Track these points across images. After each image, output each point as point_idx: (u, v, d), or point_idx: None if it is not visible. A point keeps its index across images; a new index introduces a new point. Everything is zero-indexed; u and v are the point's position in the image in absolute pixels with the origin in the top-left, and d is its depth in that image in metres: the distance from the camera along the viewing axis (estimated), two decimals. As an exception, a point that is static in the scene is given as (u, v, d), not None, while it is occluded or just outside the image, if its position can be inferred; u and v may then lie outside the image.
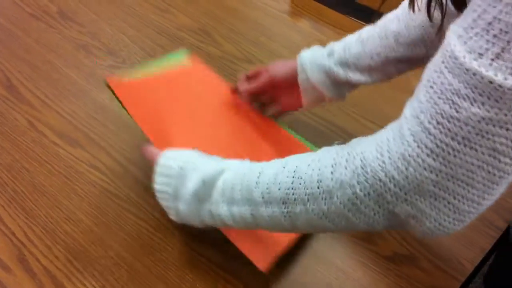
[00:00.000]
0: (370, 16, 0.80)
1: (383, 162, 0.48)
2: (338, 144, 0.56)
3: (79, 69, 0.98)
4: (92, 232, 0.75)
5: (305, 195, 0.53)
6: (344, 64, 0.77)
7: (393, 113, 0.51)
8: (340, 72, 0.77)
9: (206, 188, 0.61)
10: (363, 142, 0.52)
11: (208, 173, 0.61)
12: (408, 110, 0.48)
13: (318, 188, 0.52)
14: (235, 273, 0.72)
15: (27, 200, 0.78)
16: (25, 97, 0.92)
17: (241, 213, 0.59)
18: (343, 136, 0.90)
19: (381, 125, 0.52)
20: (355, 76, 0.77)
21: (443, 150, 0.44)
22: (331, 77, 0.78)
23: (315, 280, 0.72)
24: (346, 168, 0.51)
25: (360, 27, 0.80)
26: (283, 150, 0.81)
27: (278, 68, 0.82)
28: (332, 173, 0.52)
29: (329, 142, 0.60)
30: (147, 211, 0.77)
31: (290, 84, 0.81)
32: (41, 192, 0.79)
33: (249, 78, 0.85)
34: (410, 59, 0.75)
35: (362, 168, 0.49)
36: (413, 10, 0.65)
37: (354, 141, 0.54)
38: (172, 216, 0.65)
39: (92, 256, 0.72)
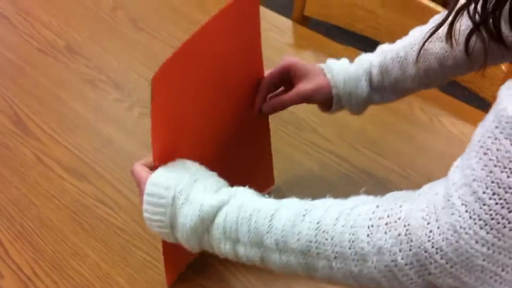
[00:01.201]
0: (372, 45, 0.81)
1: (431, 232, 0.45)
2: (366, 193, 0.54)
3: (85, 103, 1.00)
4: (99, 267, 0.75)
5: (332, 252, 0.50)
6: (381, 88, 0.75)
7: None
8: (376, 97, 0.76)
9: (204, 225, 0.58)
10: (405, 202, 0.48)
11: (205, 209, 0.57)
12: (458, 176, 0.45)
13: (349, 248, 0.49)
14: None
15: (34, 235, 0.79)
16: (32, 132, 0.94)
17: (248, 254, 0.56)
18: (349, 168, 0.90)
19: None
20: (389, 98, 0.77)
21: (498, 222, 0.41)
22: (365, 101, 0.76)
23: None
24: (386, 233, 0.47)
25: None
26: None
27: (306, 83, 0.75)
28: (368, 236, 0.48)
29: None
30: (153, 245, 0.78)
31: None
32: (48, 227, 0.80)
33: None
34: (453, 76, 0.75)
35: (406, 235, 0.46)
36: (451, 46, 0.64)
37: (391, 197, 0.51)
38: (169, 240, 0.62)
39: (98, 291, 0.73)
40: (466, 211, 0.43)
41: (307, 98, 0.75)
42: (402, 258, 0.46)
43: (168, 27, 1.16)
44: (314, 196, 0.56)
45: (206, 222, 0.57)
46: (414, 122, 0.98)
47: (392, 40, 0.78)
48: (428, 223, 0.45)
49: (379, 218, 0.48)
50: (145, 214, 0.61)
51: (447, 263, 0.44)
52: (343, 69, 0.74)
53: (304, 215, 0.53)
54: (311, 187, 0.85)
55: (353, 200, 0.53)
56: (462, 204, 0.43)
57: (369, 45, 0.84)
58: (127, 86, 1.03)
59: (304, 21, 1.25)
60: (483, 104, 1.07)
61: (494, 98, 1.03)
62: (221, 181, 0.62)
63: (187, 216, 0.58)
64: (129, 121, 0.97)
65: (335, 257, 0.50)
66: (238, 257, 0.58)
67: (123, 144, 0.92)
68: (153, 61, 1.09)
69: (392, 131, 0.96)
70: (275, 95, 0.77)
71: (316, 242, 0.51)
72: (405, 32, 0.78)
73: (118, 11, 1.21)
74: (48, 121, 0.96)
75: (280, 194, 0.80)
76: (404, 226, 0.46)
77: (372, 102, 0.77)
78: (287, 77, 0.76)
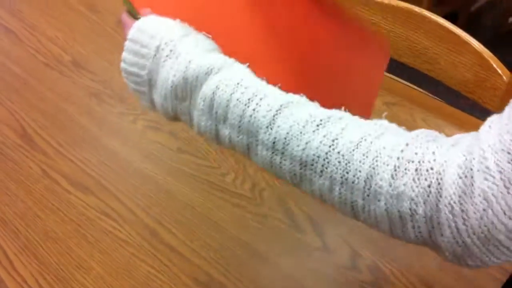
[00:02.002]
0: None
1: (463, 193, 0.40)
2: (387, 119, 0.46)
3: (91, 117, 1.01)
4: (103, 279, 0.76)
5: (341, 177, 0.44)
6: None
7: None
8: None
9: (187, 88, 0.50)
10: (437, 149, 0.43)
11: (192, 67, 0.49)
12: (494, 139, 0.41)
13: (364, 181, 0.44)
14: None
15: (39, 248, 0.80)
16: (39, 146, 0.95)
17: (232, 139, 0.49)
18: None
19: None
20: None
21: None
22: None
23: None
24: (414, 180, 0.42)
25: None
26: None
27: None
28: (392, 176, 0.42)
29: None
30: (157, 258, 0.78)
31: None
32: (53, 240, 0.81)
33: None
34: None
35: (437, 189, 0.41)
36: None
37: (421, 137, 0.45)
38: (144, 103, 0.55)
39: (102, 303, 0.74)
40: (501, 179, 0.39)
41: None
42: (423, 210, 0.42)
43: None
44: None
45: (190, 86, 0.50)
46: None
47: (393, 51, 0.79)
48: (464, 184, 0.41)
49: (408, 161, 0.42)
50: (122, 65, 0.54)
51: (467, 230, 0.41)
52: None
53: (318, 125, 0.46)
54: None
55: (376, 125, 0.46)
56: (498, 171, 0.39)
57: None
58: (131, 99, 1.05)
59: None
60: (486, 115, 1.07)
61: (497, 108, 1.03)
62: (216, 46, 0.53)
63: (170, 71, 0.50)
64: (133, 134, 0.98)
65: (342, 183, 0.45)
66: (218, 137, 0.51)
67: (127, 157, 0.93)
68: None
69: (394, 142, 0.97)
70: None
71: (325, 159, 0.45)
72: (407, 44, 0.78)
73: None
74: (54, 135, 0.97)
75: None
76: (437, 179, 0.42)
77: None
78: None
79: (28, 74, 1.09)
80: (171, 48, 0.50)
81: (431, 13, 1.09)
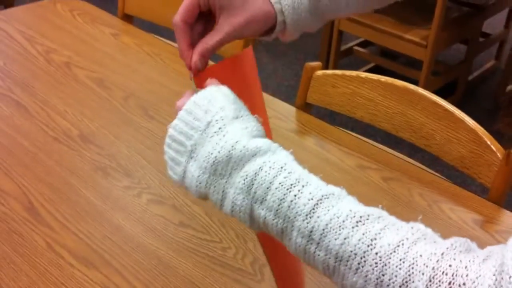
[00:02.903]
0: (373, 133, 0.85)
1: None
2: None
3: (96, 190, 1.04)
4: None
5: (377, 278, 0.45)
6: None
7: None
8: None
9: (228, 166, 0.52)
10: (470, 264, 0.44)
11: (238, 148, 0.51)
12: None
13: (400, 287, 0.44)
14: None
15: (42, 324, 0.81)
16: (44, 219, 0.97)
17: (267, 219, 0.51)
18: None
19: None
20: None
21: None
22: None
23: None
24: None
25: (361, 143, 0.85)
26: None
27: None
28: (427, 287, 0.43)
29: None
30: (157, 334, 0.79)
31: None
32: (55, 315, 0.82)
33: None
34: None
35: None
36: None
37: (455, 246, 0.46)
38: (173, 173, 0.57)
39: None
40: None
41: (239, 35, 0.62)
42: None
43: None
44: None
45: (232, 164, 0.52)
46: (413, 208, 1.01)
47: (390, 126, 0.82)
48: None
49: (443, 273, 0.44)
50: (171, 131, 0.57)
51: None
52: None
53: (357, 222, 0.48)
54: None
55: (413, 229, 0.47)
56: None
57: (371, 129, 0.88)
58: (136, 173, 1.08)
59: (306, 107, 1.30)
60: (481, 190, 1.10)
61: (491, 183, 1.06)
62: (263, 132, 0.56)
63: (216, 146, 0.52)
64: (138, 207, 1.00)
65: (377, 284, 0.45)
66: (252, 217, 0.52)
67: (131, 231, 0.95)
68: (163, 148, 1.14)
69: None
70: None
71: (362, 258, 0.46)
72: (405, 119, 0.81)
73: (130, 100, 1.27)
74: (60, 209, 1.00)
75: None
76: None
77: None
78: (205, 9, 0.63)
79: (37, 148, 1.13)
80: (221, 126, 0.53)
81: (426, 91, 1.14)
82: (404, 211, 1.00)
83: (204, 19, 0.64)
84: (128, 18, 1.67)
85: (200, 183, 0.54)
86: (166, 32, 1.92)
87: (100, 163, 1.10)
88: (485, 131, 1.05)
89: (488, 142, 1.04)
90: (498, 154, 1.03)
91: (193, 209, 1.00)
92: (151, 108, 1.25)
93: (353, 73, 1.23)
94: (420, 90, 1.13)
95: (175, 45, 1.53)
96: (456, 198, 1.04)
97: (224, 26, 0.61)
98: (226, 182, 0.53)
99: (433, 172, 1.12)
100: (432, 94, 1.12)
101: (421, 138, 1.16)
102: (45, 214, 0.99)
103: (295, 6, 0.62)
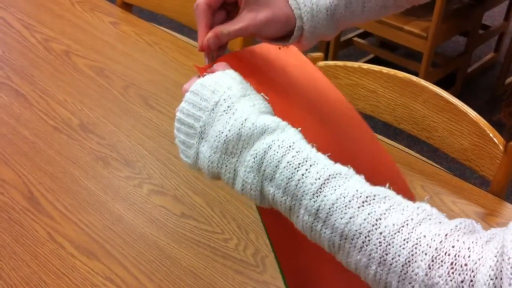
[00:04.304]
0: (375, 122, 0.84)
1: None
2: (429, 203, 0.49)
3: (97, 180, 1.03)
4: None
5: (380, 257, 0.46)
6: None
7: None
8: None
9: (239, 144, 0.53)
10: (473, 245, 0.45)
11: (247, 126, 0.52)
12: None
13: (402, 265, 0.45)
14: None
15: (43, 314, 0.81)
16: (45, 209, 0.97)
17: (275, 197, 0.52)
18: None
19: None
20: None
21: None
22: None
23: None
24: (449, 274, 0.43)
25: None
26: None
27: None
28: (429, 267, 0.44)
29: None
30: (159, 325, 0.79)
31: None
32: (57, 306, 0.82)
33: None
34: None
35: (469, 286, 0.42)
36: None
37: (460, 228, 0.46)
38: (185, 157, 0.58)
39: None
40: None
41: (257, 31, 0.62)
42: None
43: (177, 104, 1.21)
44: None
45: (243, 143, 0.53)
46: (416, 201, 1.01)
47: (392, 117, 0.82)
48: (494, 286, 0.42)
49: (446, 253, 0.44)
50: (179, 114, 0.58)
51: None
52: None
53: (363, 202, 0.48)
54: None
55: (419, 209, 0.48)
56: None
57: (370, 121, 0.88)
58: (137, 163, 1.07)
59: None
60: (483, 182, 1.10)
61: (493, 176, 1.05)
62: (271, 109, 0.57)
63: (226, 125, 0.53)
64: (138, 198, 1.00)
65: (380, 263, 0.46)
66: (262, 194, 0.54)
67: (132, 222, 0.95)
68: (163, 138, 1.13)
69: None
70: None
71: (367, 237, 0.47)
72: (407, 111, 0.81)
73: (129, 90, 1.27)
74: (60, 199, 0.99)
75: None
76: (470, 276, 0.43)
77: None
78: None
79: (37, 137, 1.12)
80: (229, 104, 0.54)
81: (428, 82, 1.13)
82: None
83: (227, 12, 0.65)
84: (127, 7, 1.66)
85: (212, 163, 0.55)
86: (165, 21, 1.91)
87: (100, 153, 1.10)
88: (487, 123, 1.05)
89: (491, 135, 1.04)
90: (501, 146, 1.03)
91: (194, 200, 1.00)
92: (151, 98, 1.24)
93: (355, 64, 1.22)
94: (423, 82, 1.13)
95: (175, 34, 1.52)
96: (458, 190, 1.04)
97: (245, 19, 0.61)
98: (237, 161, 0.54)
99: (435, 164, 1.11)
100: (435, 86, 1.12)
101: (422, 130, 1.15)
102: (45, 204, 0.98)
103: (313, 14, 0.62)
